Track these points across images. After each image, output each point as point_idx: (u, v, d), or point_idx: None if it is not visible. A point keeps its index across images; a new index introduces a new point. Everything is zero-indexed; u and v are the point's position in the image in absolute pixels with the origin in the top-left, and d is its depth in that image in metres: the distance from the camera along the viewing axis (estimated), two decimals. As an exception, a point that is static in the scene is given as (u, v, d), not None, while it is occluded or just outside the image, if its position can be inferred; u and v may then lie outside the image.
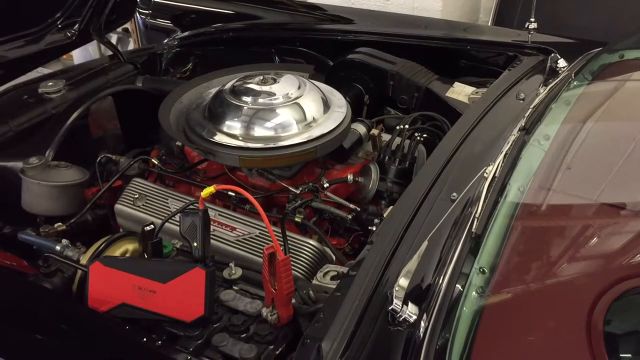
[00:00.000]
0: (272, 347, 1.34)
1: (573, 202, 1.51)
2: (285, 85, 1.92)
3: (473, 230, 1.31)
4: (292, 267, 1.42)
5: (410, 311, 1.19)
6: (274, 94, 1.89)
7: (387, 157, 2.04)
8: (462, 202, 1.44)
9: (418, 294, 1.23)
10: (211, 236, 1.49)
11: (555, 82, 1.94)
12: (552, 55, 2.27)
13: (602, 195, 1.49)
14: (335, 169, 2.02)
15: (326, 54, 2.74)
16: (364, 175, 2.01)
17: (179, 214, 1.47)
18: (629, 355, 1.18)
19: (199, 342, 1.35)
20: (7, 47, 2.23)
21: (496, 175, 1.45)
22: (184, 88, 2.12)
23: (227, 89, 1.93)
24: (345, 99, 2.09)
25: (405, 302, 1.20)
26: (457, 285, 1.23)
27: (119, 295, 1.38)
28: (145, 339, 1.31)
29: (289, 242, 1.69)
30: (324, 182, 1.90)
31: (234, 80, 1.97)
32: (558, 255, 1.36)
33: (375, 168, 2.02)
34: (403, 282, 1.22)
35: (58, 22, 2.41)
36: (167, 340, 1.34)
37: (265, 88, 1.91)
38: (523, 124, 1.65)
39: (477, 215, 1.33)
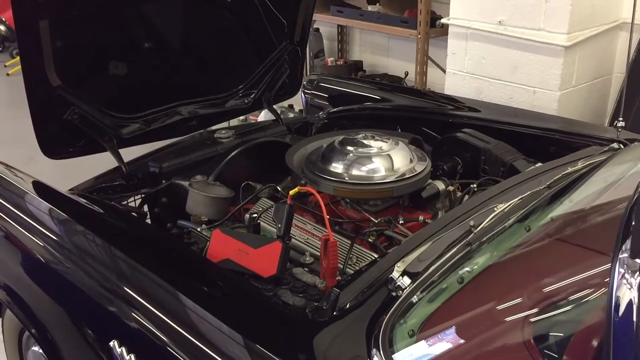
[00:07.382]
0: (316, 303, 1.90)
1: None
2: (380, 142, 2.54)
3: (468, 240, 1.79)
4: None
5: (404, 282, 1.70)
6: (371, 147, 2.51)
7: (457, 209, 2.52)
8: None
9: (414, 273, 1.73)
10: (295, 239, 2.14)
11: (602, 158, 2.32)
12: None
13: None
14: (414, 213, 2.56)
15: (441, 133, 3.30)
16: (436, 220, 2.51)
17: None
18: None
19: (270, 293, 1.96)
20: (200, 105, 3.10)
21: (505, 210, 1.91)
22: (311, 140, 2.83)
23: (338, 141, 2.59)
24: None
25: (402, 275, 1.71)
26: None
27: (226, 253, 2.05)
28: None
29: (359, 253, 2.24)
30: (400, 218, 2.45)
31: (346, 135, 2.63)
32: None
33: (446, 216, 2.52)
34: (405, 261, 1.73)
35: (239, 92, 3.26)
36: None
37: (366, 142, 2.54)
38: (548, 184, 2.08)
39: (475, 231, 1.81)
